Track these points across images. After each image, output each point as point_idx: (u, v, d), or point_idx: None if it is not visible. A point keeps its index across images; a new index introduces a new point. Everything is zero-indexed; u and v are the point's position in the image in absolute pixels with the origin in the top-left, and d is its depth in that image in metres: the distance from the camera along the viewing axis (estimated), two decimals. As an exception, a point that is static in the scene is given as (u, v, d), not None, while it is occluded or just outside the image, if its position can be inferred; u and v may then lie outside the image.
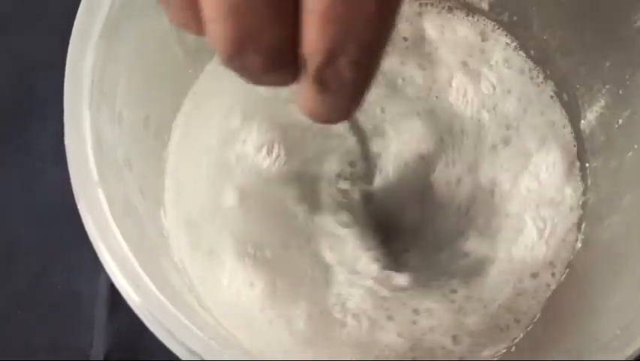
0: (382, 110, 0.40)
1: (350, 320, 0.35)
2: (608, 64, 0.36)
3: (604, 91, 0.37)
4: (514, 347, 0.36)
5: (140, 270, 0.27)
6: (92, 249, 0.28)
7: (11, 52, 0.46)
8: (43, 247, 0.43)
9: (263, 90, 0.39)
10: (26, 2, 0.46)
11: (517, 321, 0.37)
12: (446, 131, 0.39)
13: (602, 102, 0.37)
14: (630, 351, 0.26)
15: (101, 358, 0.40)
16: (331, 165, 0.39)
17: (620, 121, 0.36)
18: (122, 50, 0.31)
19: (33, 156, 0.44)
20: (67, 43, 0.29)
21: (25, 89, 0.45)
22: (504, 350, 0.36)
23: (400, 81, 0.41)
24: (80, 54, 0.29)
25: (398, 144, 0.39)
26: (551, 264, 0.38)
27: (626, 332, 0.27)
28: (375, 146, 0.38)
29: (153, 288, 0.27)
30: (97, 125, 0.28)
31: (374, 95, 0.39)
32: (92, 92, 0.28)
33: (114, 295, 0.40)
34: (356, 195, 0.38)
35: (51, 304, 0.42)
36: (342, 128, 0.35)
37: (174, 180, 0.38)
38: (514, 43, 0.41)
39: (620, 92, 0.36)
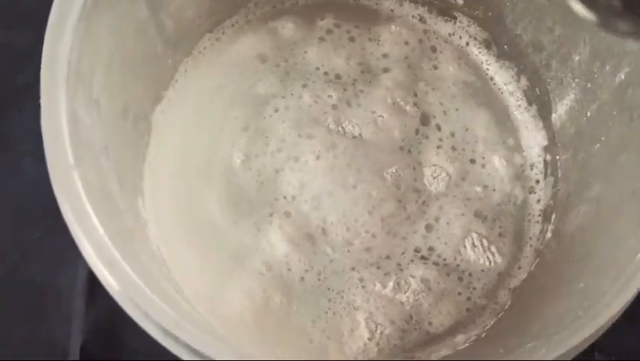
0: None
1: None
2: (577, 58, 0.37)
3: (573, 85, 0.38)
4: (484, 334, 0.36)
5: (114, 250, 0.27)
6: (69, 240, 0.27)
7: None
8: (20, 239, 0.42)
9: (242, 84, 0.40)
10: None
11: (488, 309, 0.37)
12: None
13: (572, 96, 0.38)
14: (586, 334, 0.27)
15: (79, 348, 0.40)
16: None
17: (589, 114, 0.37)
18: (99, 36, 0.31)
19: (10, 148, 0.44)
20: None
21: (3, 82, 0.45)
22: (474, 337, 0.36)
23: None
24: (57, 36, 0.28)
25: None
26: (522, 254, 0.39)
27: (587, 314, 0.27)
28: None
29: (128, 268, 0.27)
30: (73, 108, 0.28)
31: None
32: (69, 74, 0.28)
33: (92, 286, 0.41)
34: None
35: (29, 296, 0.42)
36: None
37: (153, 170, 0.39)
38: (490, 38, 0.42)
39: (589, 86, 0.36)
